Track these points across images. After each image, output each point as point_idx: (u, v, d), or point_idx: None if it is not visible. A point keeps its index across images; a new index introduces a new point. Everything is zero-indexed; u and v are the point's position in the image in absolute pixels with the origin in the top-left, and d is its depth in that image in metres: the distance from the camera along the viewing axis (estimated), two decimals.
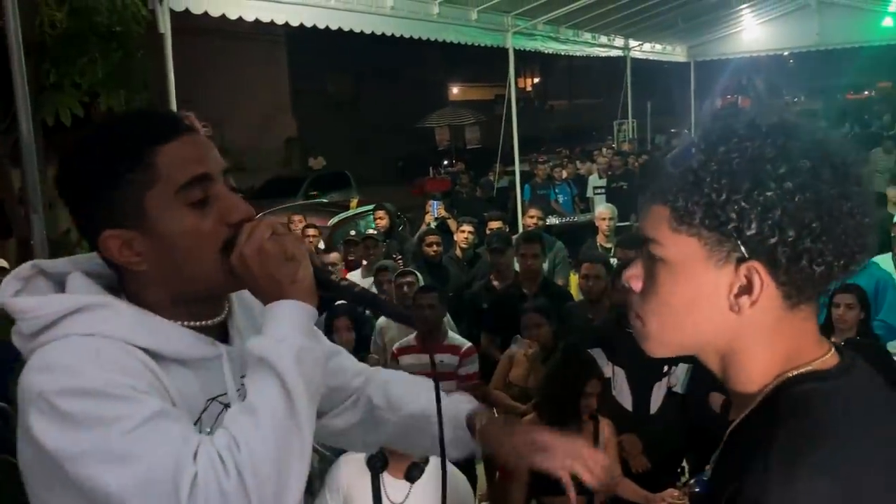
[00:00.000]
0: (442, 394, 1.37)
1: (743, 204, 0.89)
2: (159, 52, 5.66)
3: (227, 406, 1.23)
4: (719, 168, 0.91)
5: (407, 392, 1.56)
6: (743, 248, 0.91)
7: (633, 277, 1.04)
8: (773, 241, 0.89)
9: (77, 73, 4.19)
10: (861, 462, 0.87)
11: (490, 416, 1.53)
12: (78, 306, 1.14)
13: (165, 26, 5.60)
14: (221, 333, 1.29)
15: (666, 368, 3.94)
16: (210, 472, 1.03)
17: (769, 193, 0.88)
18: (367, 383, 1.59)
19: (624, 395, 4.02)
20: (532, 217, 7.26)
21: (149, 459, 1.03)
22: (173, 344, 1.19)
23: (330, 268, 5.95)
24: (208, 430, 1.18)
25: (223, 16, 6.19)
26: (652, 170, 1.04)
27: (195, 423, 1.18)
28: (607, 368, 4.01)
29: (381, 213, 7.79)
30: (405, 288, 5.19)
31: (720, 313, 0.95)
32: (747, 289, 0.92)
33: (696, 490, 3.21)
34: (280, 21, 6.73)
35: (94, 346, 1.10)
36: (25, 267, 1.22)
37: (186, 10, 5.83)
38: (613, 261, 5.61)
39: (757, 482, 0.87)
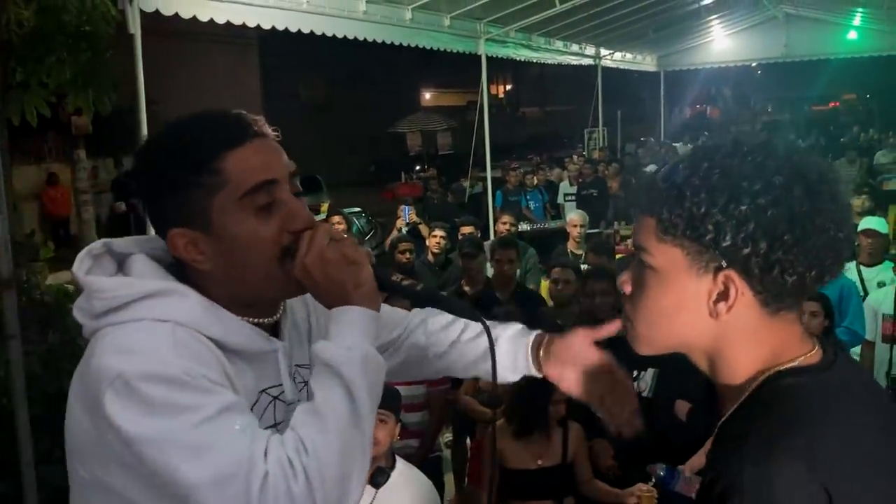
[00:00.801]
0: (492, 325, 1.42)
1: (719, 217, 0.96)
2: (129, 53, 5.60)
3: (275, 398, 1.28)
4: (700, 183, 0.98)
5: (446, 324, 1.61)
6: (720, 259, 0.98)
7: (626, 283, 1.12)
8: (746, 251, 0.96)
9: (44, 73, 4.13)
10: (837, 449, 0.92)
11: (559, 340, 1.56)
12: (153, 291, 1.18)
13: (135, 27, 5.53)
14: (273, 329, 1.33)
15: (635, 374, 3.97)
16: (280, 473, 1.06)
17: (743, 208, 0.95)
18: (407, 332, 1.64)
19: None
20: (505, 223, 7.29)
21: (224, 453, 1.06)
22: (237, 337, 1.23)
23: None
24: (258, 420, 1.21)
25: (194, 17, 6.14)
26: (642, 182, 1.11)
27: None
28: None
29: (337, 217, 7.76)
30: None
31: (702, 318, 1.02)
32: (724, 295, 1.00)
33: (661, 474, 3.24)
34: (252, 24, 6.69)
35: (170, 333, 1.14)
36: (97, 245, 1.26)
37: (157, 11, 5.77)
38: (584, 266, 5.65)
39: (734, 466, 0.93)
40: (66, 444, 1.22)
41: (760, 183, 0.96)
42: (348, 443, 1.11)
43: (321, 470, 1.08)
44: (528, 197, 10.77)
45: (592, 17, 11.20)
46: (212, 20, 6.28)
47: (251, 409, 1.22)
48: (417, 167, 23.92)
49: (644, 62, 17.41)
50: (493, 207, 10.54)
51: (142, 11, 5.59)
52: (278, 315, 1.34)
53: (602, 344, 4.03)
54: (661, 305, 1.05)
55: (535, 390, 3.57)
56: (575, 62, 14.35)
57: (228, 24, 6.53)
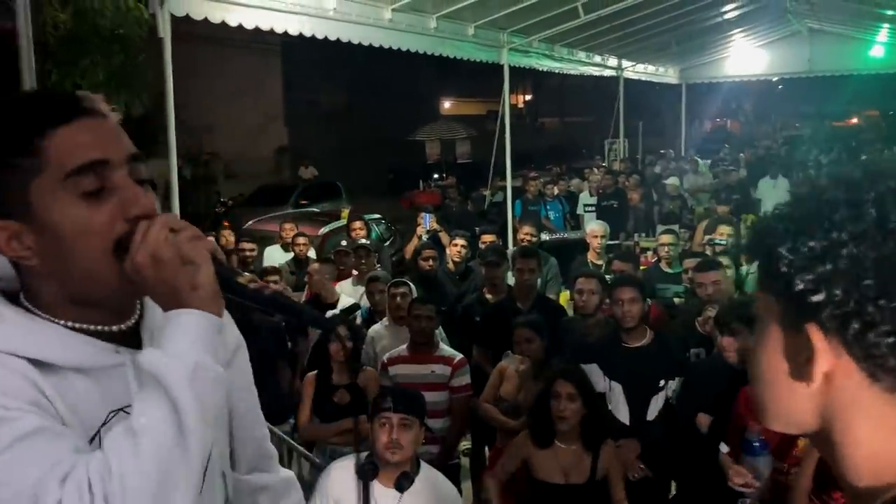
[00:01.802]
0: None
1: (787, 254, 0.80)
2: (158, 57, 5.67)
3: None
4: (788, 214, 0.84)
5: None
6: (796, 307, 0.81)
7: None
8: (818, 298, 0.78)
9: (78, 75, 4.19)
10: None
11: None
12: None
13: (165, 31, 5.62)
14: (133, 338, 1.17)
15: (662, 383, 3.98)
16: (75, 500, 0.92)
17: (814, 243, 0.78)
18: None
19: (620, 409, 4.04)
20: (526, 233, 7.29)
21: (8, 486, 0.94)
22: (68, 353, 1.08)
23: (321, 276, 5.94)
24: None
25: (222, 23, 6.22)
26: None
27: (94, 437, 1.08)
28: (603, 383, 4.03)
29: (358, 223, 7.78)
30: (398, 298, 5.19)
31: (799, 386, 0.83)
32: (812, 356, 0.81)
33: (755, 443, 3.09)
34: (279, 30, 6.76)
35: None
36: None
37: (187, 16, 5.86)
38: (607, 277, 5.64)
39: None
40: None
41: (845, 214, 0.78)
42: (166, 466, 0.96)
43: (125, 494, 0.93)
44: (547, 207, 10.76)
45: (616, 29, 11.21)
46: (240, 25, 6.36)
47: (98, 431, 1.08)
48: (436, 175, 23.96)
49: (666, 74, 17.39)
50: (513, 217, 10.56)
51: (172, 15, 5.69)
52: (133, 320, 1.18)
53: (631, 353, 4.02)
54: (760, 365, 0.88)
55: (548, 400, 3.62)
56: (597, 73, 14.35)
57: (253, 29, 6.60)
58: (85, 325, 1.12)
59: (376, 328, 5.37)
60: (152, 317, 1.19)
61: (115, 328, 1.15)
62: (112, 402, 1.11)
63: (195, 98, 20.52)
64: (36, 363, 1.04)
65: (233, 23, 6.28)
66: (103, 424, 1.09)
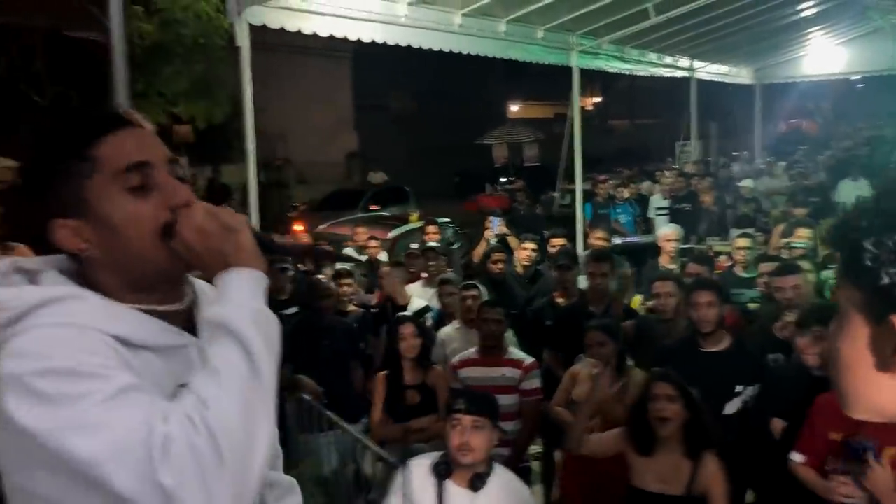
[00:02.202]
0: None
1: (873, 249, 0.83)
2: (236, 65, 5.85)
3: None
4: (871, 211, 0.86)
5: None
6: (882, 300, 0.83)
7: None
8: None
9: (162, 83, 4.36)
10: None
11: None
12: (50, 297, 1.19)
13: (244, 40, 5.79)
14: (188, 324, 1.32)
15: (739, 388, 3.89)
16: (180, 430, 1.06)
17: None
18: None
19: None
20: (598, 238, 7.22)
21: (120, 426, 1.07)
22: (140, 332, 1.23)
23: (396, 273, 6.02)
24: None
25: (298, 31, 6.38)
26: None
27: None
28: None
29: (433, 227, 7.83)
30: (469, 301, 5.22)
31: (883, 376, 0.86)
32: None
33: (866, 445, 2.97)
34: (353, 37, 6.88)
35: (64, 333, 1.15)
36: (4, 262, 1.28)
37: (264, 25, 6.04)
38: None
39: None
40: None
41: None
42: (249, 396, 1.11)
43: (223, 421, 1.07)
44: (618, 210, 10.64)
45: (688, 30, 11.01)
46: (315, 34, 6.51)
47: None
48: (503, 179, 23.93)
49: (739, 75, 16.98)
50: (583, 220, 10.48)
51: (249, 25, 5.86)
52: (185, 303, 1.34)
53: (708, 358, 3.94)
54: (843, 356, 0.90)
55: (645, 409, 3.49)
56: (668, 74, 14.12)
57: (324, 38, 6.74)
58: (148, 307, 1.27)
59: (447, 330, 5.41)
60: (205, 303, 1.34)
61: (170, 308, 1.30)
62: (178, 378, 1.22)
63: (269, 105, 21.01)
64: (118, 340, 1.18)
65: (308, 31, 6.43)
66: (172, 397, 1.20)
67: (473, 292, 5.29)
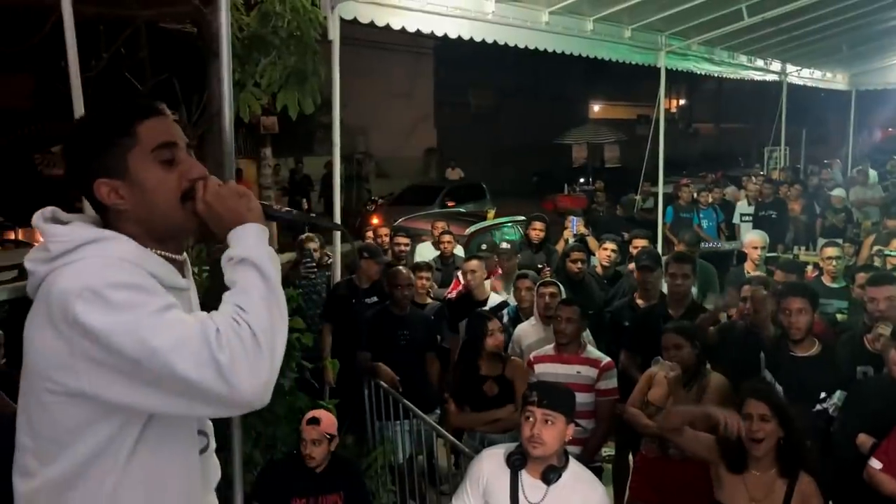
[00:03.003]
0: None
1: None
2: (326, 59, 5.98)
3: None
4: None
5: None
6: None
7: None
8: None
9: (258, 74, 4.50)
10: None
11: None
12: (98, 236, 1.52)
13: (335, 34, 5.92)
14: (181, 270, 1.69)
15: (823, 395, 3.79)
16: (227, 326, 1.42)
17: None
18: None
19: None
20: (683, 246, 7.12)
21: (179, 325, 1.41)
22: (163, 271, 1.57)
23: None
24: None
25: (387, 26, 6.48)
26: None
27: None
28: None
29: (539, 223, 7.74)
30: (547, 298, 5.23)
31: None
32: None
33: None
34: (439, 33, 6.95)
35: (117, 261, 1.48)
36: (48, 210, 1.61)
37: (354, 20, 6.16)
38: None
39: None
40: (24, 377, 1.52)
41: None
42: (270, 305, 1.50)
43: (257, 320, 1.45)
44: (700, 215, 10.42)
45: (781, 32, 10.68)
46: (403, 28, 6.60)
47: None
48: (581, 179, 23.71)
49: (834, 80, 16.39)
50: (664, 223, 10.31)
51: (341, 19, 5.99)
52: (184, 257, 1.72)
53: (797, 362, 3.84)
54: None
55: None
56: (759, 78, 13.75)
57: (407, 33, 6.82)
58: (161, 252, 1.61)
59: (523, 326, 5.42)
60: (188, 261, 1.77)
61: (177, 256, 1.66)
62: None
63: (352, 99, 21.37)
64: (150, 275, 1.51)
65: (396, 26, 6.53)
66: None
67: (552, 289, 5.29)
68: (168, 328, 1.39)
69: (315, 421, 3.85)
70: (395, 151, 24.30)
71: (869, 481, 3.35)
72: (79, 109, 4.07)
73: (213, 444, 1.79)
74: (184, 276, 1.68)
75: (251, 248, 1.55)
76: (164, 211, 1.59)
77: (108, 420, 1.47)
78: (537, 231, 7.66)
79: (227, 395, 1.40)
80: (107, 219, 1.60)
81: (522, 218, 12.24)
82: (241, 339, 1.41)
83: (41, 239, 1.55)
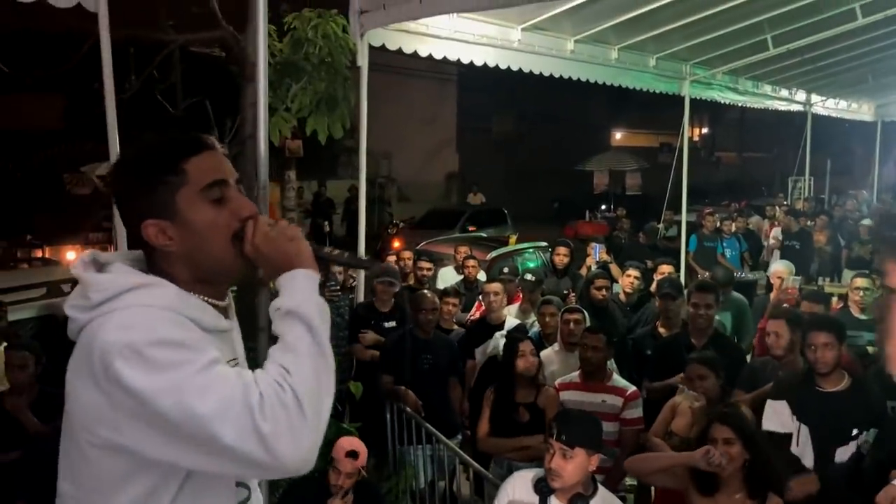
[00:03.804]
0: None
1: None
2: (355, 84, 6.06)
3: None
4: None
5: None
6: None
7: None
8: None
9: (289, 99, 4.58)
10: None
11: None
12: (139, 283, 1.46)
13: (363, 60, 6.01)
14: (225, 314, 1.62)
15: (855, 432, 3.73)
16: (271, 391, 1.35)
17: None
18: None
19: (806, 453, 3.81)
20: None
21: (222, 388, 1.34)
22: (206, 316, 1.51)
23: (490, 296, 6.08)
24: None
25: (415, 52, 6.56)
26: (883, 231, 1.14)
27: None
28: (792, 423, 3.84)
29: (563, 249, 7.74)
30: (572, 325, 5.21)
31: None
32: None
33: None
34: (465, 60, 7.02)
35: (158, 312, 1.41)
36: (87, 254, 1.56)
37: (383, 46, 6.24)
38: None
39: None
40: (66, 422, 1.47)
41: None
42: (317, 364, 1.42)
43: (303, 384, 1.38)
44: (724, 244, 10.37)
45: (806, 62, 10.67)
46: (430, 55, 6.68)
47: None
48: (602, 206, 23.69)
49: (860, 111, 16.32)
50: (686, 252, 10.27)
51: (370, 46, 6.08)
52: (227, 301, 1.64)
53: (825, 397, 3.77)
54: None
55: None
56: (783, 108, 13.72)
57: (433, 60, 6.90)
58: (206, 298, 1.55)
59: (547, 353, 5.41)
60: (232, 303, 1.69)
61: (221, 302, 1.59)
62: (226, 356, 1.52)
63: (376, 124, 21.57)
64: (191, 321, 1.46)
65: (423, 53, 6.61)
66: None
67: (576, 316, 5.28)
68: (211, 392, 1.33)
69: (354, 455, 3.84)
70: (418, 176, 24.44)
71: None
72: (112, 131, 4.17)
73: (255, 496, 1.73)
74: (227, 318, 1.62)
75: (299, 299, 1.47)
76: (215, 252, 1.52)
77: (149, 473, 1.43)
78: (561, 257, 7.64)
79: (270, 463, 1.35)
80: (152, 259, 1.54)
81: (545, 244, 12.26)
82: (284, 406, 1.35)
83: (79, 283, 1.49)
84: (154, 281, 1.48)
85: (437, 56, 6.76)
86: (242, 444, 1.33)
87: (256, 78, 2.70)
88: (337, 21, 4.38)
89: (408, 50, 6.44)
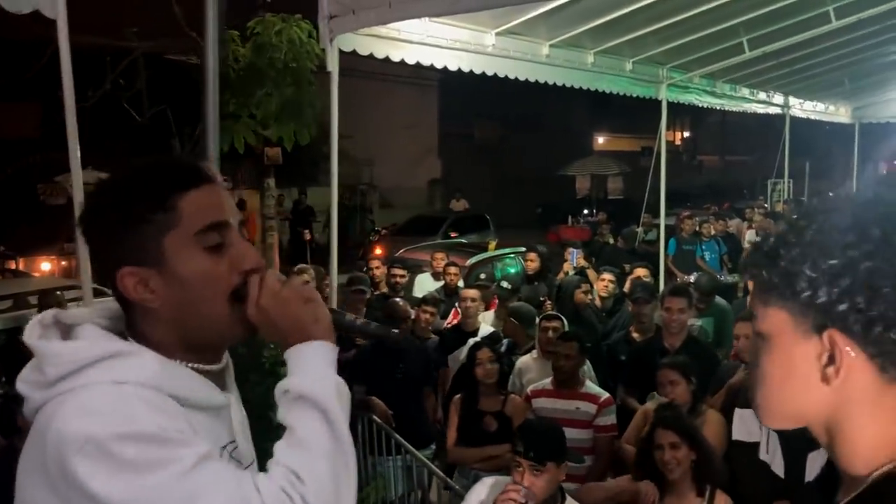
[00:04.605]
0: None
1: (812, 273, 0.91)
2: (325, 90, 5.99)
3: (230, 456, 1.27)
4: (795, 240, 0.94)
5: None
6: (820, 317, 0.92)
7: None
8: (843, 307, 0.89)
9: (254, 105, 4.52)
10: None
11: None
12: (110, 353, 1.15)
13: (334, 65, 5.93)
14: (220, 382, 1.32)
15: None
16: (277, 502, 1.09)
17: (834, 262, 0.90)
18: None
19: (776, 460, 3.78)
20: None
21: (215, 498, 1.06)
22: (195, 393, 1.22)
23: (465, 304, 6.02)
24: None
25: (386, 58, 6.49)
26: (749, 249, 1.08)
27: None
28: (759, 432, 3.80)
29: (532, 255, 7.75)
30: (550, 332, 5.16)
31: (815, 385, 0.95)
32: (832, 358, 0.93)
33: None
34: (439, 65, 6.96)
35: (133, 392, 1.11)
36: (48, 314, 1.24)
37: (354, 51, 6.17)
38: None
39: None
40: None
41: (855, 236, 0.90)
42: (336, 465, 1.16)
43: (318, 494, 1.11)
44: (703, 247, 10.37)
45: (783, 65, 10.70)
46: (403, 61, 6.61)
47: None
48: (585, 211, 23.72)
49: (837, 113, 16.40)
50: (665, 255, 10.25)
51: (340, 51, 6.00)
52: (223, 363, 1.33)
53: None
54: (773, 373, 0.99)
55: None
56: (761, 111, 13.76)
57: (419, 65, 6.83)
58: (196, 365, 1.25)
59: (525, 359, 5.35)
60: (230, 366, 1.38)
61: (213, 368, 1.29)
62: (220, 440, 1.25)
63: (358, 131, 21.49)
64: (174, 399, 1.17)
65: (396, 58, 6.53)
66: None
67: (555, 324, 5.23)
68: (201, 501, 1.05)
69: None
70: (400, 182, 24.38)
71: None
72: (73, 140, 4.07)
73: None
74: (223, 387, 1.32)
75: (314, 381, 1.19)
76: (208, 313, 1.22)
77: None
78: (531, 262, 7.66)
79: None
80: (130, 316, 1.24)
81: (524, 249, 12.26)
82: None
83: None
84: (129, 349, 1.18)
85: (410, 61, 6.69)
86: None
87: (206, 84, 2.63)
88: (301, 26, 4.31)
89: (379, 55, 6.37)
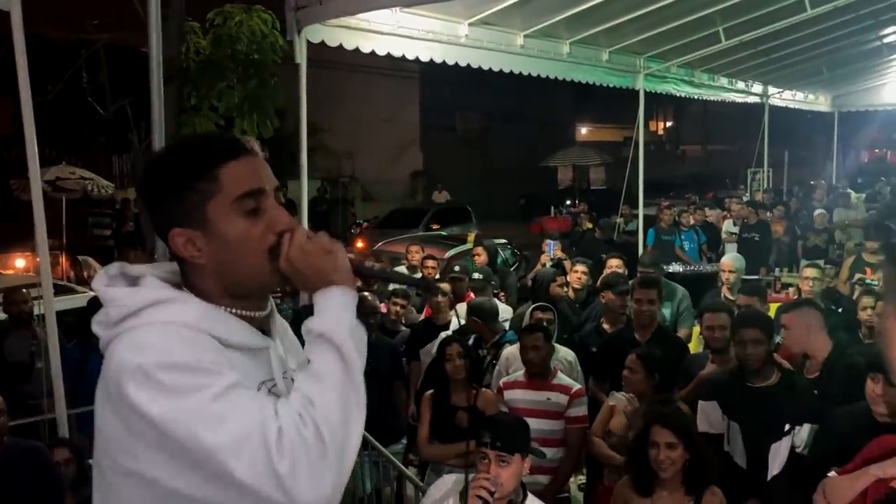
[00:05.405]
0: None
1: None
2: (295, 82, 5.91)
3: (269, 391, 1.44)
4: None
5: None
6: None
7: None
8: None
9: (215, 97, 4.44)
10: None
11: None
12: (160, 298, 1.36)
13: (301, 57, 5.85)
14: (265, 329, 1.50)
15: (787, 427, 3.65)
16: (291, 424, 1.24)
17: None
18: None
19: (737, 451, 3.76)
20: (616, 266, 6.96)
21: (238, 419, 1.23)
22: (236, 334, 1.40)
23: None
24: None
25: (356, 49, 6.41)
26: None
27: None
28: (722, 423, 3.78)
29: (478, 249, 7.81)
30: (544, 323, 5.12)
31: None
32: None
33: None
34: (411, 56, 6.89)
35: (176, 331, 1.31)
36: (114, 266, 1.46)
37: (322, 43, 6.09)
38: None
39: None
40: (95, 447, 1.38)
41: None
42: (345, 395, 1.30)
43: (327, 418, 1.26)
44: (682, 237, 10.36)
45: (761, 54, 10.70)
46: (373, 52, 6.53)
47: None
48: (568, 202, 23.72)
49: (816, 102, 16.45)
50: (644, 246, 10.24)
51: (308, 42, 5.92)
52: (267, 311, 1.51)
53: (753, 393, 3.68)
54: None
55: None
56: (740, 100, 13.78)
57: (391, 57, 6.76)
58: (239, 311, 1.43)
59: (512, 350, 5.29)
60: (278, 318, 1.57)
61: (255, 314, 1.47)
62: (259, 377, 1.42)
63: (338, 123, 21.39)
64: (217, 339, 1.35)
65: (366, 49, 6.45)
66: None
67: (548, 315, 5.19)
68: (226, 422, 1.23)
69: None
70: (382, 174, 24.29)
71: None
72: (30, 132, 3.99)
73: None
74: (266, 332, 1.49)
75: (332, 322, 1.35)
76: (247, 268, 1.41)
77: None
78: (478, 257, 7.72)
79: (286, 503, 1.23)
80: (184, 271, 1.45)
81: (504, 240, 12.22)
82: (305, 443, 1.24)
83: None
84: (177, 296, 1.38)
85: (381, 52, 6.61)
86: (257, 482, 1.22)
87: (151, 75, 2.56)
88: (262, 16, 4.24)
89: (349, 46, 6.29)
